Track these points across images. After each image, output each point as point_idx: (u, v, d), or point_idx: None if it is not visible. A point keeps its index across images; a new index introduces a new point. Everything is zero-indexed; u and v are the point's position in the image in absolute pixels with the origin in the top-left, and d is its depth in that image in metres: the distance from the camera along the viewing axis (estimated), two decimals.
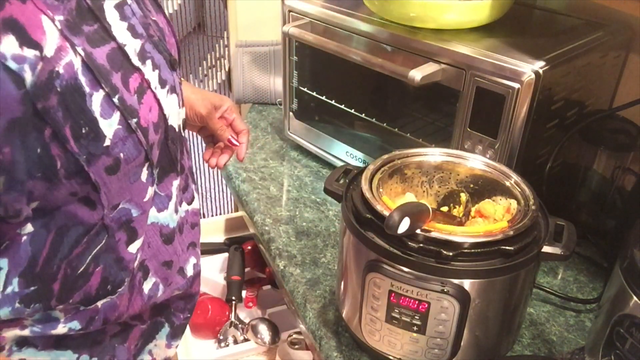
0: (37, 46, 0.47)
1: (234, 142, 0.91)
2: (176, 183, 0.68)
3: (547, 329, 0.83)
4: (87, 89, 0.50)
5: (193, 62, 2.48)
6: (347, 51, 0.99)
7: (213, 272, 1.33)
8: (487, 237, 0.64)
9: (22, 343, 0.61)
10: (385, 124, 1.06)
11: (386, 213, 0.64)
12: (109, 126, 0.52)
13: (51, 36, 0.48)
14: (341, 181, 0.79)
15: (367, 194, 0.70)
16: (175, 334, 0.75)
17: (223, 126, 0.90)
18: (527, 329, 0.83)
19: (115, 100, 0.53)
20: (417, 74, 0.87)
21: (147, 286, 0.66)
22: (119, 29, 0.56)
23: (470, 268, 0.64)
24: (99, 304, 0.62)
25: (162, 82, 0.60)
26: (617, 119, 0.95)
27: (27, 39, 0.46)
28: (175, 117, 0.65)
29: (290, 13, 1.12)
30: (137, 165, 0.58)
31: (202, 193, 2.68)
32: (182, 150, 0.70)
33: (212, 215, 2.63)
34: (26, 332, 0.59)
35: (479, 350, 0.71)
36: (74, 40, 0.50)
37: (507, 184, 0.75)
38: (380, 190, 0.73)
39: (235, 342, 1.20)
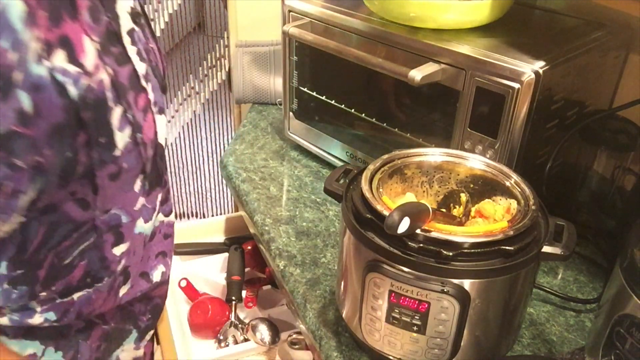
0: (80, 64, 0.53)
1: None
2: (160, 196, 0.72)
3: (547, 329, 0.83)
4: (111, 104, 0.57)
5: (193, 62, 2.48)
6: (347, 51, 0.99)
7: (213, 272, 1.33)
8: (487, 237, 0.64)
9: None
10: (385, 124, 1.06)
11: (386, 213, 0.64)
12: (122, 138, 0.58)
13: (90, 55, 0.54)
14: (341, 181, 0.79)
15: (367, 194, 0.70)
16: (142, 336, 0.79)
17: None
18: (527, 329, 0.83)
19: (129, 115, 0.59)
20: (417, 74, 0.87)
21: (123, 290, 0.71)
22: (132, 53, 0.62)
23: (470, 268, 0.64)
24: (75, 296, 0.65)
25: (155, 104, 0.66)
26: (617, 119, 0.95)
27: (73, 56, 0.53)
28: (163, 136, 0.70)
29: (290, 13, 1.12)
30: (134, 175, 0.63)
31: (202, 193, 2.69)
32: (164, 165, 0.75)
33: (212, 215, 2.63)
34: (5, 320, 0.62)
35: (479, 350, 0.71)
36: (105, 59, 0.56)
37: (507, 184, 0.75)
38: (380, 190, 0.73)
39: (235, 342, 1.19)
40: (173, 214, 0.81)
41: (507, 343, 0.76)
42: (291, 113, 1.24)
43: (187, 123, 2.52)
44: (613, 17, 0.98)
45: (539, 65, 0.81)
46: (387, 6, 0.95)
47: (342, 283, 0.77)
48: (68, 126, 0.53)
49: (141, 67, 0.63)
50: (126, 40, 0.61)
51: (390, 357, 0.73)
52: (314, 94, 1.19)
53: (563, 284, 0.92)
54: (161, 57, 0.74)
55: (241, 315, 1.25)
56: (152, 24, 2.56)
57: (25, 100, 0.50)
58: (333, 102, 1.15)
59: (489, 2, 0.91)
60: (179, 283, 1.25)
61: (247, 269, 1.32)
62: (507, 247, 0.64)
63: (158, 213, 0.75)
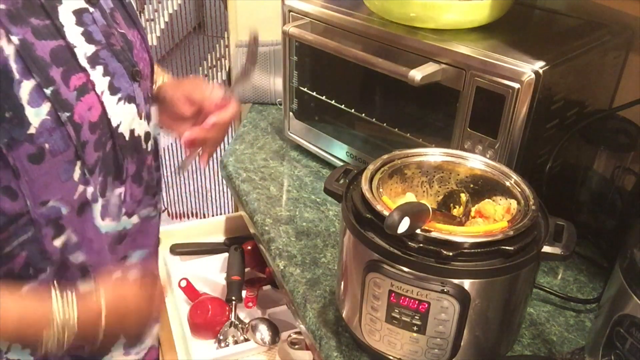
0: None
1: (221, 106, 0.84)
2: (118, 191, 0.68)
3: (547, 329, 0.83)
4: (16, 76, 0.53)
5: (193, 62, 2.48)
6: (347, 51, 0.99)
7: (213, 272, 1.33)
8: (487, 237, 0.64)
9: None
10: (385, 124, 1.06)
11: (386, 213, 0.64)
12: (36, 115, 0.55)
13: None
14: (341, 181, 0.79)
15: (367, 194, 0.70)
16: (132, 343, 0.77)
17: (210, 95, 0.83)
18: (527, 329, 0.83)
19: (48, 91, 0.55)
20: (417, 74, 0.87)
21: (83, 287, 0.67)
22: (72, 32, 0.59)
23: (470, 268, 0.64)
24: (24, 290, 0.64)
25: (114, 90, 0.63)
26: (617, 119, 0.95)
27: None
28: (128, 126, 0.67)
29: (290, 13, 1.12)
30: (66, 161, 0.60)
31: (202, 193, 2.68)
32: (132, 158, 0.70)
33: (212, 215, 2.63)
34: None
35: (479, 350, 0.71)
36: (12, 28, 0.53)
37: (507, 184, 0.75)
38: (380, 190, 0.73)
39: (236, 342, 1.19)
40: (157, 218, 0.78)
41: (507, 343, 0.76)
42: (291, 113, 1.24)
43: None
44: (613, 17, 0.98)
45: (539, 65, 0.81)
46: (387, 6, 0.95)
47: (342, 283, 0.77)
48: None
49: (85, 48, 0.60)
50: (66, 18, 0.59)
51: (390, 357, 0.73)
52: (314, 94, 1.19)
53: (563, 284, 0.92)
54: (144, 46, 0.71)
55: (241, 315, 1.24)
56: (152, 24, 2.56)
57: None
58: (333, 102, 1.15)
59: (489, 2, 0.91)
60: (179, 283, 1.25)
61: (247, 269, 1.32)
62: (507, 247, 0.64)
63: (131, 213, 0.71)
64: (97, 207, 0.66)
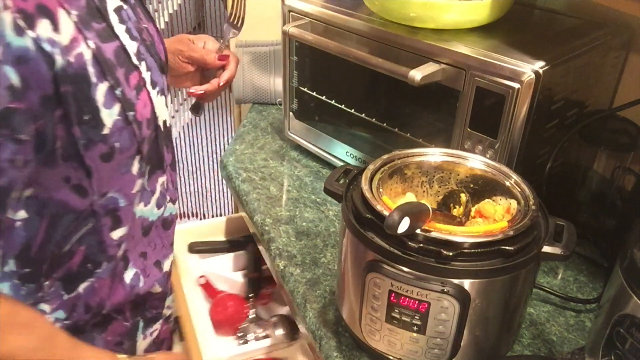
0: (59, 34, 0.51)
1: (222, 60, 0.94)
2: (161, 180, 0.72)
3: (547, 329, 0.83)
4: (93, 80, 0.55)
5: None
6: (347, 51, 0.99)
7: (231, 270, 1.33)
8: (487, 237, 0.64)
9: None
10: (385, 124, 1.06)
11: (386, 213, 0.64)
12: (109, 116, 0.57)
13: (66, 27, 0.53)
14: (341, 181, 0.79)
15: (367, 194, 0.70)
16: (148, 324, 0.79)
17: (206, 50, 0.93)
18: (527, 329, 0.83)
19: (117, 92, 0.57)
20: (417, 74, 0.87)
21: (128, 276, 0.71)
22: (120, 30, 0.61)
23: (470, 268, 0.64)
24: (80, 289, 0.66)
25: (153, 83, 0.65)
26: (617, 119, 0.95)
27: (56, 26, 0.51)
28: (163, 117, 0.69)
29: (290, 13, 1.12)
30: (129, 157, 0.62)
31: (202, 193, 2.68)
32: (168, 148, 0.74)
33: (213, 216, 2.63)
34: None
35: (479, 350, 0.71)
36: (86, 34, 0.55)
37: (507, 184, 0.75)
38: (380, 190, 0.73)
39: (256, 338, 1.20)
40: (176, 203, 0.81)
41: (507, 343, 0.76)
42: (291, 113, 1.24)
43: (187, 123, 2.52)
44: (613, 17, 0.98)
45: (539, 65, 0.81)
46: (388, 6, 0.95)
47: (342, 283, 0.77)
48: (51, 99, 0.52)
49: (132, 45, 0.62)
50: (112, 17, 0.60)
51: (390, 357, 0.73)
52: (314, 94, 1.19)
53: (563, 284, 0.92)
54: (160, 38, 0.73)
55: (261, 312, 1.25)
56: None
57: (12, 75, 0.49)
58: (333, 102, 1.15)
59: (489, 2, 0.91)
60: (198, 280, 1.25)
61: (264, 266, 1.32)
62: (507, 247, 0.64)
63: (165, 199, 0.74)
64: (148, 196, 0.69)
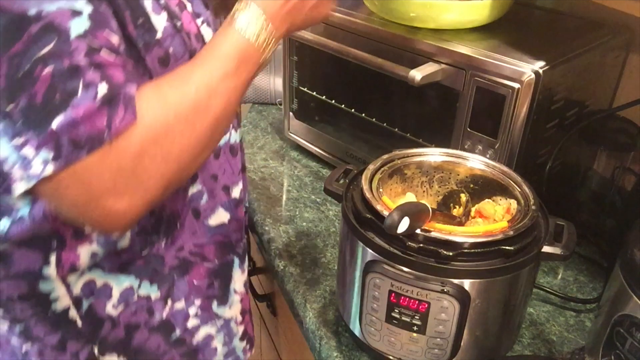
0: None
1: None
2: None
3: (547, 329, 0.83)
4: None
5: None
6: (347, 51, 0.99)
7: None
8: (487, 237, 0.64)
9: (91, 265, 0.67)
10: (385, 124, 1.06)
11: (386, 213, 0.64)
12: (159, 22, 0.60)
13: None
14: (341, 181, 0.79)
15: (367, 194, 0.70)
16: (242, 260, 0.83)
17: None
18: (527, 329, 0.83)
19: (162, 2, 0.60)
20: (417, 74, 0.87)
21: (191, 191, 0.72)
22: None
23: (470, 268, 0.64)
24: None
25: (197, 14, 0.67)
26: (617, 119, 0.95)
27: None
28: None
29: None
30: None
31: None
32: None
33: None
34: (94, 246, 0.66)
35: (479, 350, 0.71)
36: None
37: (507, 184, 0.75)
38: (380, 190, 0.73)
39: None
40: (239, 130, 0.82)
41: (507, 343, 0.76)
42: (291, 113, 1.24)
43: None
44: (613, 17, 0.98)
45: (539, 65, 0.81)
46: (387, 6, 0.95)
47: (342, 283, 0.77)
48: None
49: None
50: None
51: (390, 357, 0.73)
52: (314, 94, 1.19)
53: (563, 284, 0.92)
54: None
55: None
56: None
57: None
58: (333, 102, 1.15)
59: (489, 2, 0.91)
60: None
61: None
62: (507, 247, 0.64)
63: (233, 125, 0.76)
64: None
